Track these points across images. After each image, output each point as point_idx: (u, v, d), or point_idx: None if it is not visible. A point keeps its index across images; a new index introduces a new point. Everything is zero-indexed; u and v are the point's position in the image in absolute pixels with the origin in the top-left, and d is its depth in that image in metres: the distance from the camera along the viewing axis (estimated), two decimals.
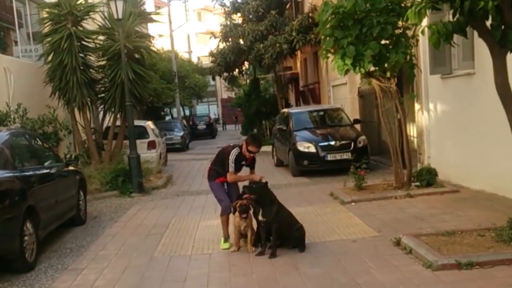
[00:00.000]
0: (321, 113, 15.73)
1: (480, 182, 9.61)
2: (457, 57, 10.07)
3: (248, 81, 33.69)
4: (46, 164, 8.28)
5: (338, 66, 9.64)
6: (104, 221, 9.74)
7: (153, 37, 17.04)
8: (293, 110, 16.05)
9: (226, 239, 7.39)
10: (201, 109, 59.56)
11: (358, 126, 15.70)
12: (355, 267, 6.01)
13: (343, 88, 19.82)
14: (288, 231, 6.88)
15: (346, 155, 13.44)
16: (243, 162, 7.35)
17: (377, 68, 9.72)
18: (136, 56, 14.33)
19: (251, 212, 7.04)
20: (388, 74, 9.79)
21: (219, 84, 55.21)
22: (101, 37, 14.49)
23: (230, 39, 22.75)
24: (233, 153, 7.22)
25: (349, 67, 9.55)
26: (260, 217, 6.83)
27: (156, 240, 8.04)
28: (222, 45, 23.25)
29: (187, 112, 50.79)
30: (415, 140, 12.93)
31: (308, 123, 15.17)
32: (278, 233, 6.76)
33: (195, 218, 9.54)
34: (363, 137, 14.07)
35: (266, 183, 6.95)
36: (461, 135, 10.38)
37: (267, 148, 22.40)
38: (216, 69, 23.57)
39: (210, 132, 40.56)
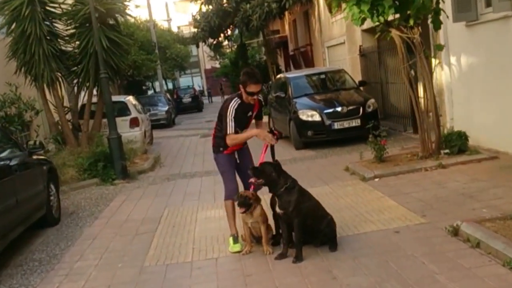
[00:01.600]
0: (322, 76, 14.12)
1: None
2: None
3: (233, 48, 31.84)
4: None
5: (353, 14, 8.07)
6: (83, 218, 8.17)
7: None
8: (291, 74, 14.46)
9: (236, 238, 5.86)
10: (184, 81, 57.47)
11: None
12: (412, 273, 4.56)
13: (340, 48, 18.23)
14: (315, 225, 5.41)
15: (355, 122, 11.97)
16: (250, 113, 5.76)
17: (398, 15, 8.14)
18: (110, 21, 12.57)
19: (258, 206, 5.57)
20: (412, 22, 8.21)
21: (202, 54, 53.10)
22: (68, 1, 12.67)
23: (213, 1, 20.88)
24: (232, 106, 5.56)
25: (366, 15, 8.01)
26: (277, 209, 5.34)
27: (147, 242, 6.53)
28: (205, 8, 21.38)
29: (170, 86, 48.82)
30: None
31: (309, 88, 13.61)
32: (301, 229, 5.27)
33: (192, 208, 8.04)
34: (372, 100, 12.55)
35: (279, 164, 5.41)
36: (494, 92, 8.90)
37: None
38: (200, 35, 21.76)
39: (196, 105, 38.73)
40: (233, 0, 19.78)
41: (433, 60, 10.82)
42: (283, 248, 5.43)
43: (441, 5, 8.40)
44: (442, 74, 10.62)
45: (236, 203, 5.61)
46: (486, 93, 9.16)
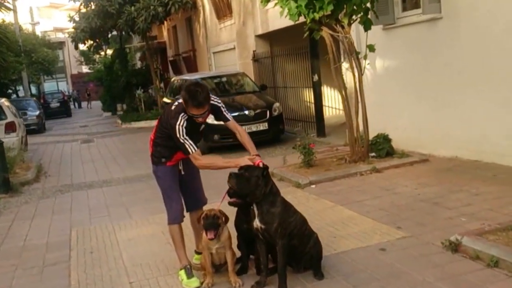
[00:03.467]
0: (224, 79, 12.80)
1: (448, 147, 7.66)
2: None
3: (106, 52, 29.13)
4: None
5: (289, 9, 6.88)
6: None
7: None
8: (190, 77, 12.94)
9: (189, 270, 4.34)
10: (49, 86, 52.24)
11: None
12: None
13: (229, 54, 17.07)
14: (300, 247, 4.09)
15: (263, 126, 10.92)
16: (202, 127, 4.33)
17: (332, 12, 7.13)
18: None
19: (224, 228, 4.16)
20: (346, 21, 7.26)
21: (68, 59, 48.80)
22: None
23: (93, 2, 18.48)
24: (180, 124, 4.05)
25: (302, 10, 6.85)
26: (256, 224, 3.94)
27: (63, 276, 4.77)
28: (84, 10, 18.89)
29: (34, 90, 43.96)
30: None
31: (212, 91, 12.07)
32: (286, 252, 3.94)
33: (106, 228, 6.29)
34: (278, 104, 11.56)
35: (266, 168, 4.02)
36: (416, 95, 8.32)
37: (148, 124, 19.02)
38: (80, 36, 19.17)
39: (65, 110, 34.92)
40: (116, 2, 17.63)
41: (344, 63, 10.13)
42: (261, 276, 4.07)
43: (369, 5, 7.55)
44: (355, 77, 9.87)
45: (202, 226, 4.12)
46: (407, 95, 8.56)
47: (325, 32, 7.51)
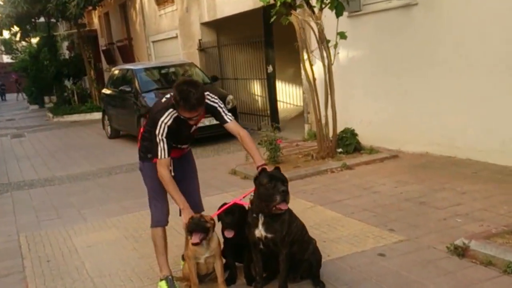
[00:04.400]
0: (172, 69, 12.07)
1: (418, 143, 7.49)
2: None
3: (30, 40, 27.18)
4: None
5: None
6: None
7: None
8: (136, 66, 12.04)
9: (171, 282, 3.83)
10: None
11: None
12: None
13: (171, 43, 16.29)
14: (300, 254, 3.68)
15: (215, 120, 10.26)
16: (194, 128, 3.80)
17: None
18: None
19: (213, 234, 3.66)
20: (318, 6, 6.86)
21: None
22: None
23: None
24: (164, 122, 3.58)
25: None
26: (261, 233, 3.46)
27: None
28: None
29: None
30: (303, 96, 10.30)
31: (158, 82, 11.50)
32: (289, 262, 3.49)
33: (59, 233, 5.63)
34: (231, 96, 11.03)
35: (265, 167, 3.56)
36: (383, 87, 8.08)
37: (82, 117, 17.83)
38: (5, 22, 17.62)
39: None
40: None
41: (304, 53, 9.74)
42: (257, 287, 3.60)
43: None
44: (315, 68, 9.53)
45: (186, 229, 3.58)
46: (372, 88, 8.31)
47: (295, 17, 7.08)
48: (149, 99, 10.41)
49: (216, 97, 3.80)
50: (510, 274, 3.60)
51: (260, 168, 3.57)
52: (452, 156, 6.95)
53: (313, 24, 7.13)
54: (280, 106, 13.31)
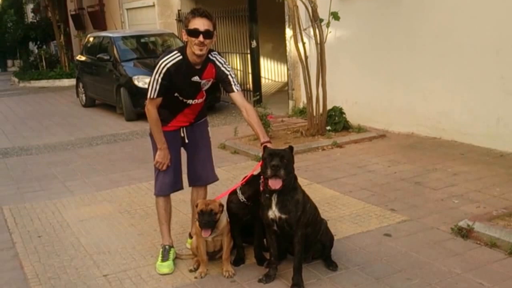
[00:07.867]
0: (152, 39, 11.77)
1: (404, 123, 7.61)
2: None
3: None
4: None
5: None
6: None
7: None
8: (114, 34, 11.63)
9: (166, 252, 3.83)
10: None
11: None
12: None
13: (147, 11, 15.87)
14: (313, 234, 3.66)
15: None
16: (196, 78, 3.61)
17: None
18: None
19: (222, 215, 3.64)
20: None
21: None
22: None
23: None
24: (164, 63, 3.48)
25: None
26: (276, 213, 3.40)
27: (13, 270, 3.96)
28: None
29: None
30: (287, 73, 10.22)
31: (137, 52, 11.20)
32: (303, 244, 3.48)
33: (46, 205, 5.48)
34: None
35: (291, 148, 3.48)
36: (370, 67, 8.13)
37: (50, 83, 17.17)
38: None
39: None
40: None
41: (287, 30, 9.66)
42: (271, 268, 3.63)
43: None
44: (299, 46, 9.47)
45: (197, 224, 3.57)
46: (359, 67, 8.34)
47: None
48: (128, 68, 10.17)
49: (229, 66, 3.74)
50: None
51: (263, 146, 3.51)
52: (437, 138, 7.09)
53: (306, 2, 7.04)
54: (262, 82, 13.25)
